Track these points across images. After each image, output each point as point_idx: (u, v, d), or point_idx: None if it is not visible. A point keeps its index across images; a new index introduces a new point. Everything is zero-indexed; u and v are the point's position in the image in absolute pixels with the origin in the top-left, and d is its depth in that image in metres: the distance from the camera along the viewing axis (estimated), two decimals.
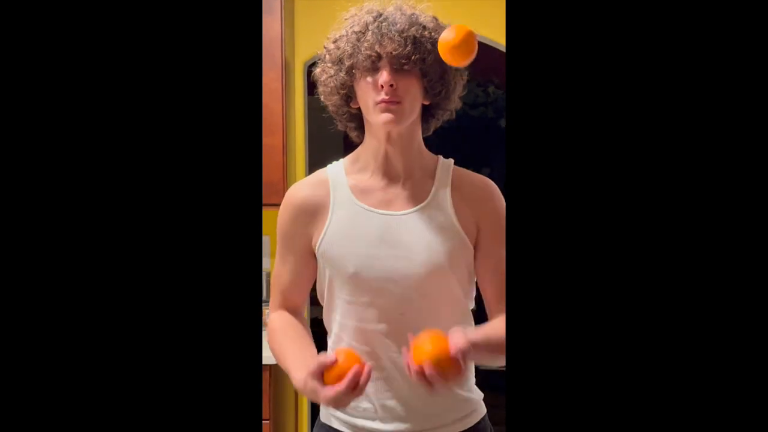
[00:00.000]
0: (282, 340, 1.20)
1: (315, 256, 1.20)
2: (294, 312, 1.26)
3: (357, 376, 1.00)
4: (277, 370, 2.23)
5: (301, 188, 1.23)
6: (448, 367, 0.98)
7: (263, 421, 2.09)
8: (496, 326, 1.13)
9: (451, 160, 1.25)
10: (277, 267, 1.27)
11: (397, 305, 1.14)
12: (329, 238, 1.17)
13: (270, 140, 2.28)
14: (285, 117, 2.33)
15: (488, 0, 2.50)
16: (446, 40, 1.08)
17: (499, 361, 1.07)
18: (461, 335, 1.01)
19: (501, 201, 1.21)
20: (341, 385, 0.99)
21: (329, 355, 1.02)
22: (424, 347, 0.99)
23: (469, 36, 1.09)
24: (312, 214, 1.19)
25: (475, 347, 1.02)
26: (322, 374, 1.01)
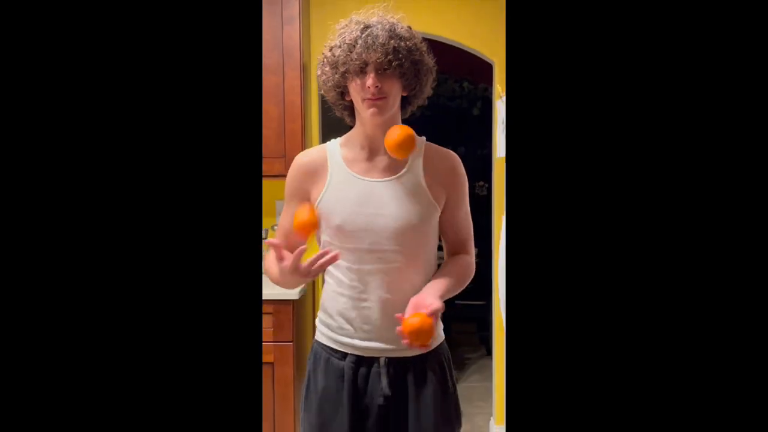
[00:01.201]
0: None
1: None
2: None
3: (318, 257, 1.21)
4: (298, 305, 2.64)
5: (305, 155, 1.43)
6: (428, 329, 1.19)
7: (288, 343, 2.56)
8: (452, 270, 1.36)
9: (423, 138, 1.42)
10: (282, 216, 1.44)
11: (374, 251, 1.33)
12: (327, 195, 1.35)
13: (291, 126, 2.67)
14: (303, 107, 2.69)
15: (466, 7, 2.81)
16: (390, 138, 1.28)
17: (459, 290, 1.37)
18: (432, 298, 1.22)
19: (463, 171, 1.42)
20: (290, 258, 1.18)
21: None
22: (410, 321, 1.20)
23: (409, 137, 1.27)
24: (312, 174, 1.39)
25: (442, 297, 1.26)
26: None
